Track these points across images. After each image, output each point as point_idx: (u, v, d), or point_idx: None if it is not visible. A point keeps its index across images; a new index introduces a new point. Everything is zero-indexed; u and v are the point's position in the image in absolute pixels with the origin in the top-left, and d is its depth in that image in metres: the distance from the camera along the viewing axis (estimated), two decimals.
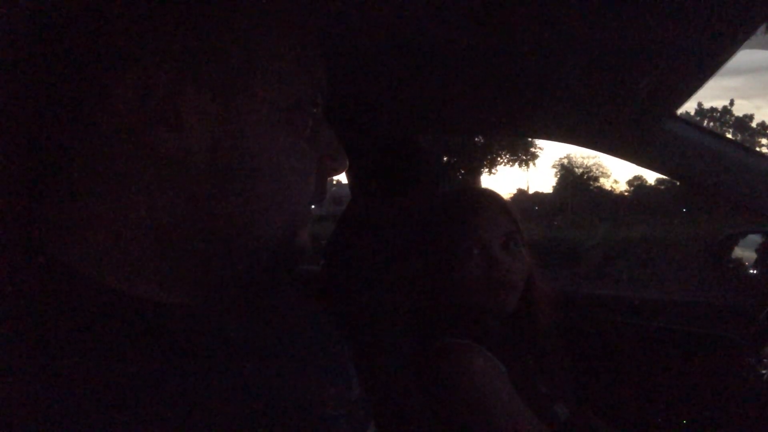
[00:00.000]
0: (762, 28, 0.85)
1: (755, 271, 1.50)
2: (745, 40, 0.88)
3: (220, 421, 0.41)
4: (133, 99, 0.41)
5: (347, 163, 0.55)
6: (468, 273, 1.03)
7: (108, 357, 0.38)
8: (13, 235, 0.43)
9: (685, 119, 1.34)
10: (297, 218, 0.49)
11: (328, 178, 0.54)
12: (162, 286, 0.44)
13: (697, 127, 1.33)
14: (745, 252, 1.52)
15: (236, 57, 0.43)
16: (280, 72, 0.46)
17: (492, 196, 1.10)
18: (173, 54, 0.41)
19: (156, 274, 0.44)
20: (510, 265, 1.03)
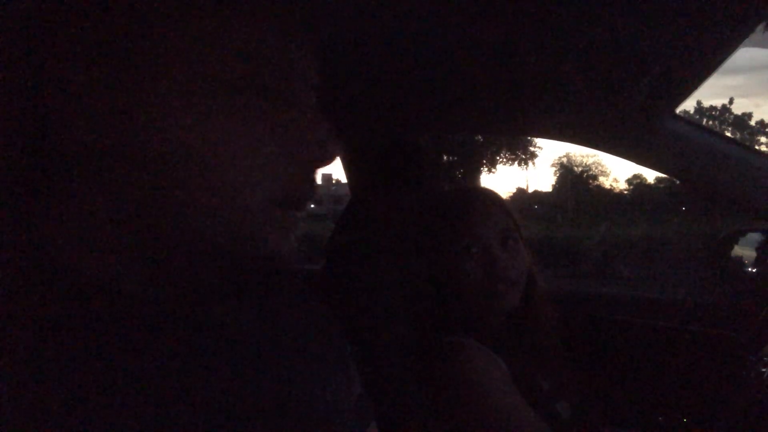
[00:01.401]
0: (761, 26, 0.85)
1: (755, 270, 1.50)
2: (744, 38, 0.88)
3: (222, 419, 0.41)
4: (28, 92, 0.39)
5: (335, 152, 0.47)
6: (467, 270, 1.03)
7: (107, 354, 0.38)
8: (10, 234, 0.42)
9: (685, 118, 1.34)
10: (256, 218, 0.42)
11: (316, 171, 0.47)
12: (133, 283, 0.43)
13: (697, 125, 1.32)
14: (745, 250, 1.53)
15: (136, 31, 0.39)
16: (203, 49, 0.40)
17: (489, 194, 1.11)
18: (59, 37, 0.38)
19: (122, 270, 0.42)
20: (508, 261, 1.03)
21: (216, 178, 0.40)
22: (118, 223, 0.41)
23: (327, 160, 0.46)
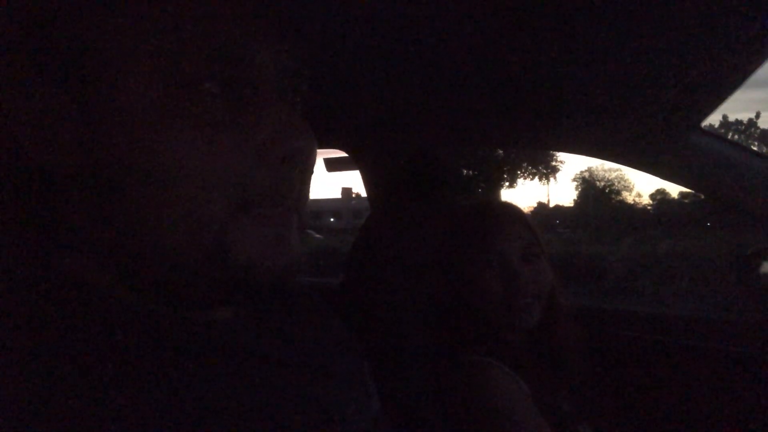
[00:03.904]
0: None
1: None
2: None
3: None
4: None
5: (303, 144, 0.42)
6: (487, 285, 1.02)
7: (120, 369, 0.38)
8: (21, 246, 0.43)
9: (710, 131, 1.32)
10: (213, 224, 0.40)
11: (289, 167, 0.42)
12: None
13: (722, 139, 1.30)
14: None
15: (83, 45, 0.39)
16: (136, 50, 0.38)
17: (510, 208, 1.10)
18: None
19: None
20: (529, 276, 1.02)
21: (172, 190, 0.39)
22: (98, 235, 0.42)
23: (296, 156, 0.42)
